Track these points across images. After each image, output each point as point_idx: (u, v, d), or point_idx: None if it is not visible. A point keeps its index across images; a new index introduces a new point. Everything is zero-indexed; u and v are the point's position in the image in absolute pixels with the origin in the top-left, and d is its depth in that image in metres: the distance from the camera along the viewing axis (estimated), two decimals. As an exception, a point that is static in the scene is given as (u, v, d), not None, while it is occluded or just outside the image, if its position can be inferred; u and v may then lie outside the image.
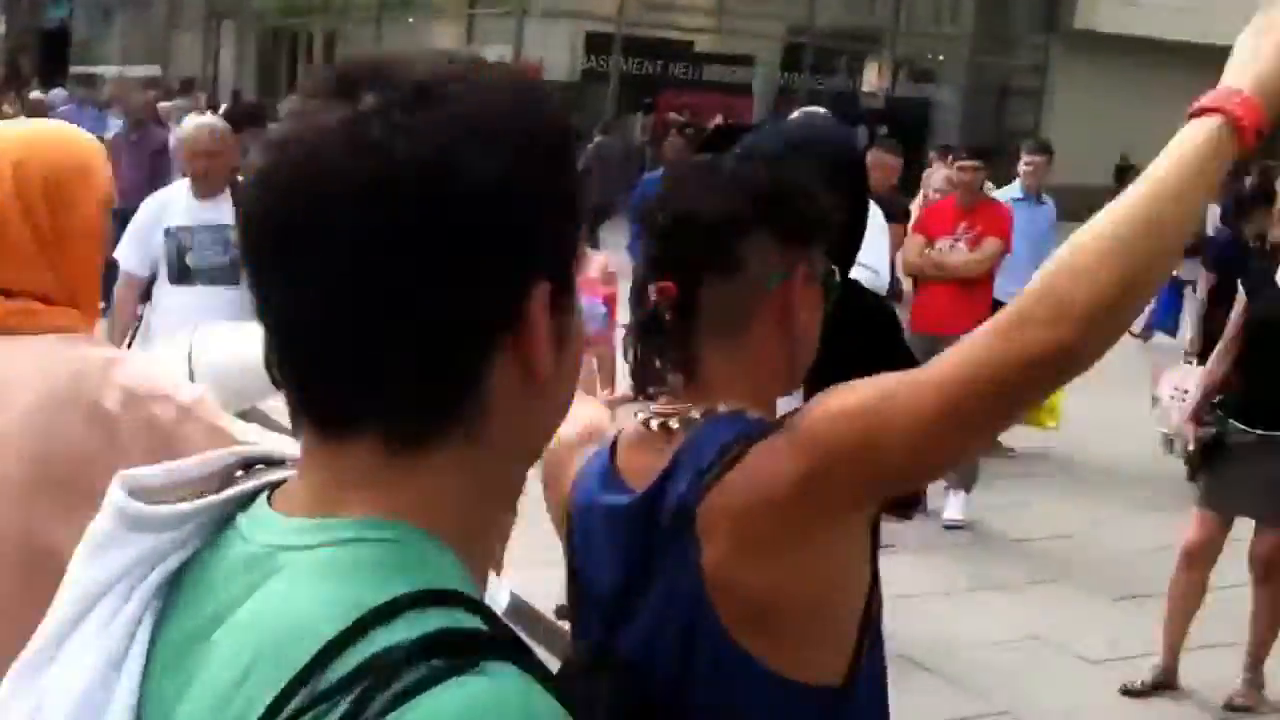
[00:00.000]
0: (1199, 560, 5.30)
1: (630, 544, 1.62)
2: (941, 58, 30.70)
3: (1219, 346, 5.46)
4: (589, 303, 5.32)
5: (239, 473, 1.05)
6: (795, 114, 3.50)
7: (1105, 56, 29.92)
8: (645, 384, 1.72)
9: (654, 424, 1.68)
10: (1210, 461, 5.26)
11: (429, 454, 0.93)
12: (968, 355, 1.45)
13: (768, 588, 1.54)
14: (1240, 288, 5.46)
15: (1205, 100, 1.54)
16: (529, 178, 0.92)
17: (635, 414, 1.73)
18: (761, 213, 1.65)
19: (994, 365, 1.42)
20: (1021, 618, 6.19)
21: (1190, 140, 1.50)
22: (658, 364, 1.70)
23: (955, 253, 7.54)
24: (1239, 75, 1.56)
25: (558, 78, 26.38)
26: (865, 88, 29.29)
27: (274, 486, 1.00)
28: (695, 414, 1.65)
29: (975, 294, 7.22)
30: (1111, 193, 1.53)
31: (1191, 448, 5.31)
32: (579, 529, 1.73)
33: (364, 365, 0.91)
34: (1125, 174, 23.50)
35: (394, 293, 0.89)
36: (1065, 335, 1.39)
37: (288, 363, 0.94)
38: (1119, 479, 8.48)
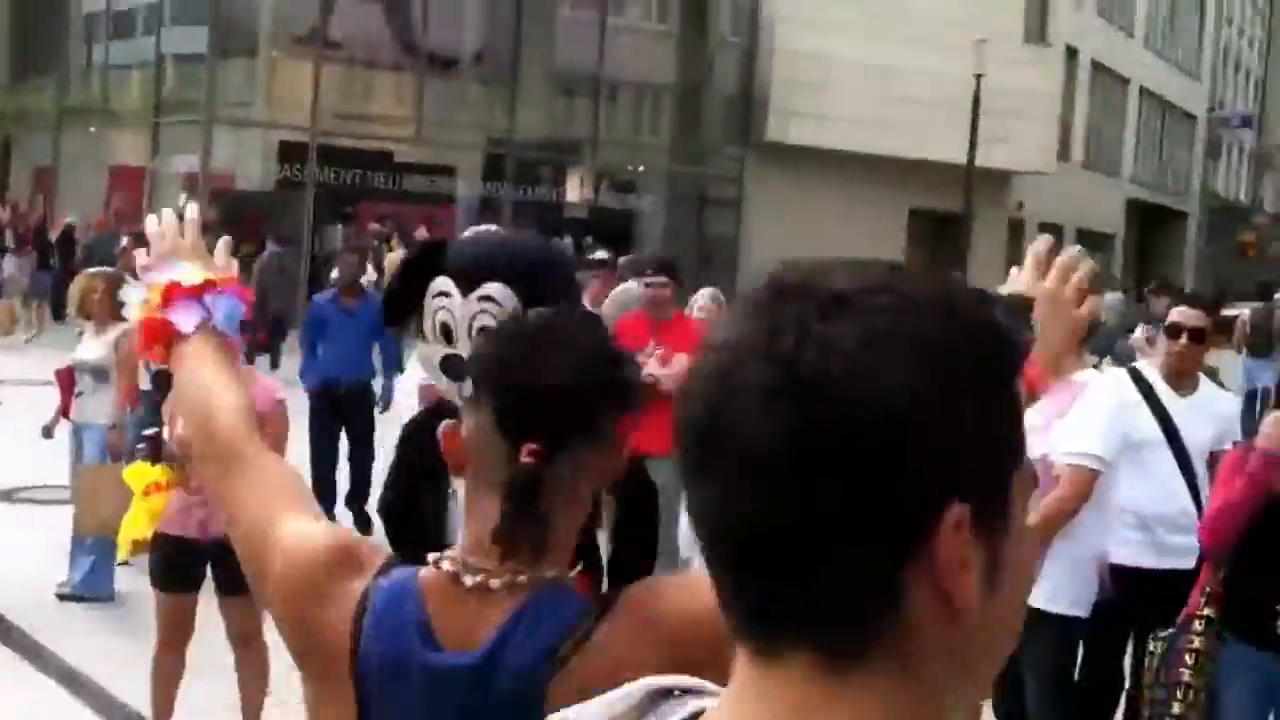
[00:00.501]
0: None
1: (460, 711, 1.62)
2: (641, 168, 31.00)
3: None
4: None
5: (658, 702, 1.02)
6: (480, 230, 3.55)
7: (795, 166, 30.86)
8: (517, 542, 1.66)
9: (468, 580, 1.67)
10: None
11: (856, 676, 0.91)
12: None
13: None
14: None
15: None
16: (946, 395, 0.88)
17: (433, 562, 1.70)
18: (611, 383, 1.76)
19: None
20: None
21: None
22: (525, 524, 1.67)
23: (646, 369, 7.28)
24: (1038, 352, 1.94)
25: (250, 188, 25.44)
26: (569, 198, 29.24)
27: (695, 716, 0.99)
28: (521, 579, 1.66)
29: (666, 413, 6.91)
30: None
31: None
32: (378, 685, 1.66)
33: (778, 572, 0.90)
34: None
35: (794, 503, 0.88)
36: None
37: (718, 564, 0.94)
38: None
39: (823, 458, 0.86)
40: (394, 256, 21.35)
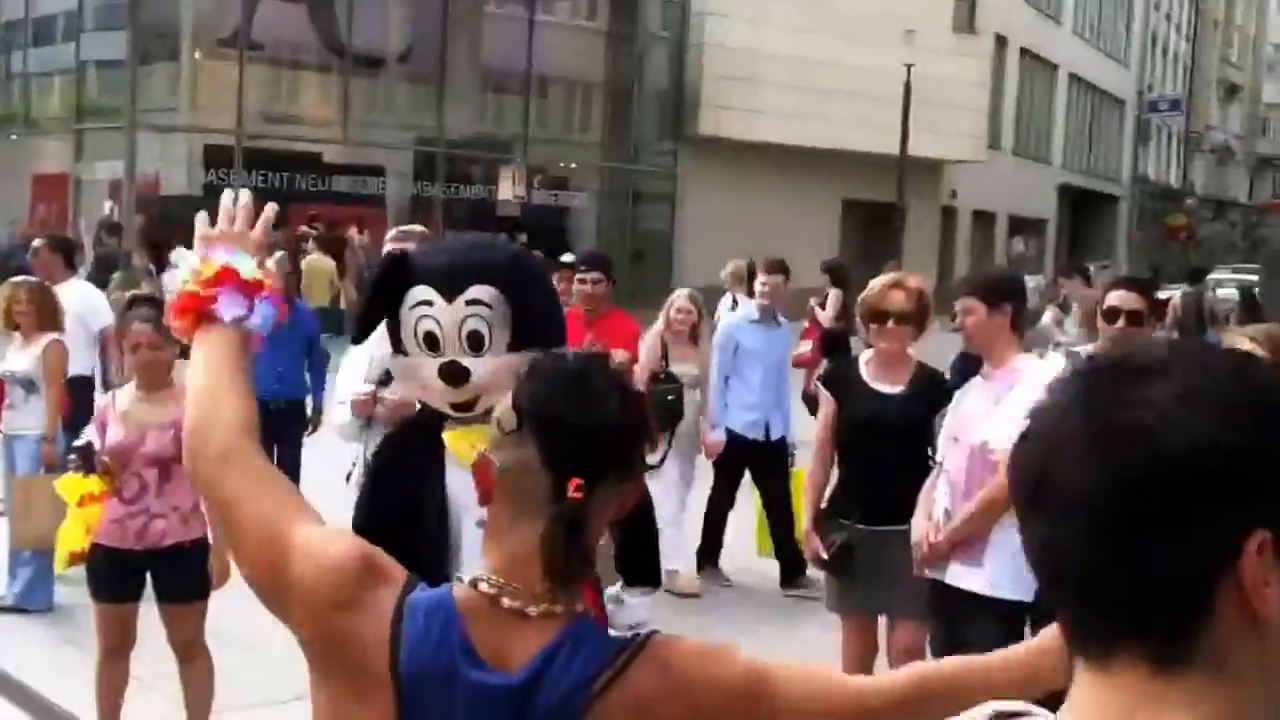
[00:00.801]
0: (861, 659, 5.23)
1: None
2: (574, 165, 30.90)
3: (813, 453, 5.41)
4: None
5: None
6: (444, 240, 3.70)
7: (728, 161, 30.86)
8: (567, 572, 1.77)
9: (506, 603, 1.77)
10: (836, 565, 5.19)
11: (1179, 681, 1.06)
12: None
13: None
14: (824, 389, 5.40)
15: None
16: (1247, 441, 1.04)
17: (474, 583, 1.80)
18: (643, 421, 1.90)
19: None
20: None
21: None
22: (572, 555, 1.77)
23: None
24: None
25: (176, 193, 25.11)
26: (501, 196, 29.10)
27: None
28: (557, 609, 1.78)
29: None
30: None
31: (825, 556, 5.19)
32: (421, 692, 1.74)
33: (1105, 597, 1.07)
34: (753, 276, 23.94)
35: (1117, 539, 1.05)
36: None
37: (1054, 591, 1.12)
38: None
39: (1139, 499, 1.04)
40: (315, 259, 21.13)
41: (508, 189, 29.40)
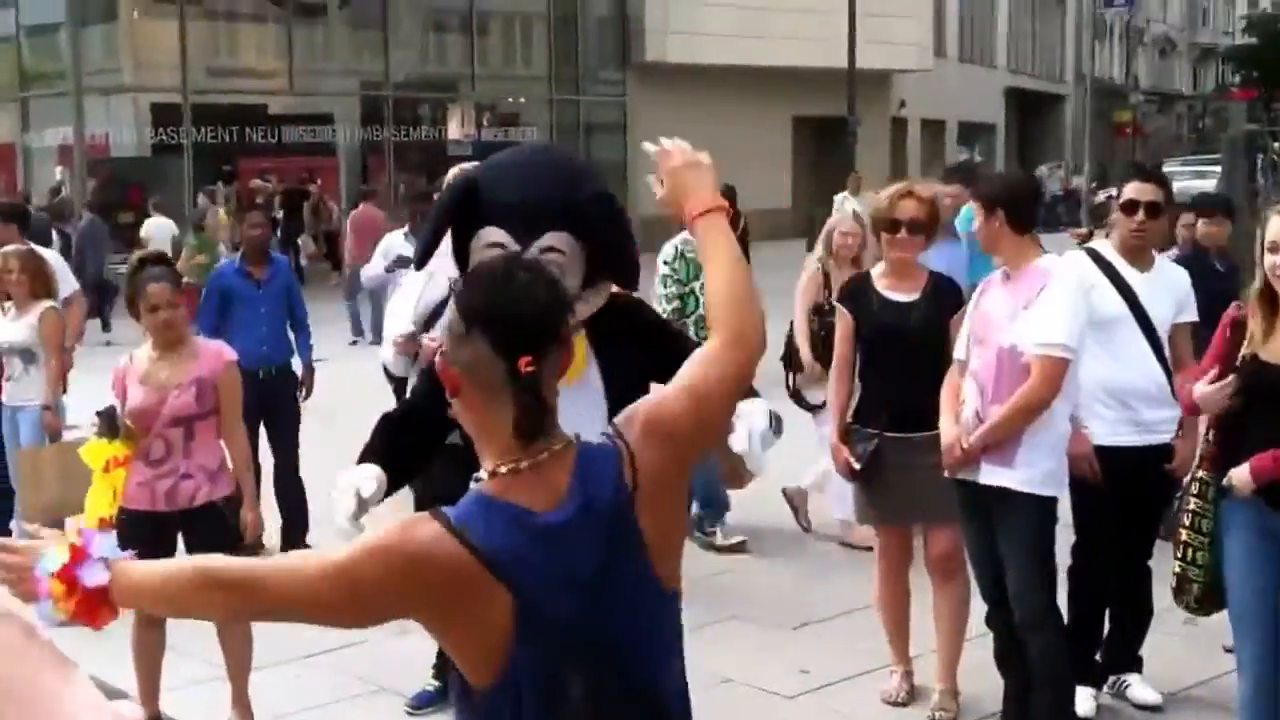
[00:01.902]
0: (898, 567, 5.32)
1: (592, 545, 2.13)
2: (523, 100, 30.80)
3: (833, 367, 5.43)
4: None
5: None
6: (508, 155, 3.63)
7: (676, 85, 30.76)
8: (538, 429, 2.17)
9: (524, 464, 2.16)
10: (867, 474, 5.20)
11: None
12: (713, 368, 2.35)
13: (669, 526, 2.26)
14: (840, 305, 5.42)
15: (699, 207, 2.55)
16: None
17: (488, 473, 2.18)
18: (565, 298, 2.29)
19: (730, 377, 2.36)
20: (704, 661, 5.84)
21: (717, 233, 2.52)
22: (540, 414, 2.17)
23: None
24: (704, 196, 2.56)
25: (126, 154, 24.97)
26: (451, 135, 29.01)
27: None
28: (558, 446, 2.19)
29: None
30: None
31: (856, 465, 5.20)
32: (518, 565, 2.09)
33: None
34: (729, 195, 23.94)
35: None
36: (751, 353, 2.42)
37: None
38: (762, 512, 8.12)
39: None
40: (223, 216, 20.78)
41: (457, 128, 29.31)
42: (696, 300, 7.01)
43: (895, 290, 5.18)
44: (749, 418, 3.18)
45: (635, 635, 2.20)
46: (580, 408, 2.95)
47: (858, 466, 5.19)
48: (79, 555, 2.15)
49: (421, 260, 3.57)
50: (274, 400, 7.52)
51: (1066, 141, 51.83)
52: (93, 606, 2.15)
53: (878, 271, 5.29)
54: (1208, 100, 68.92)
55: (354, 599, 2.10)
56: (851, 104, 30.30)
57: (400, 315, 5.08)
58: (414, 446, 3.47)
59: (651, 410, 2.28)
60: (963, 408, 4.68)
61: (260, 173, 24.02)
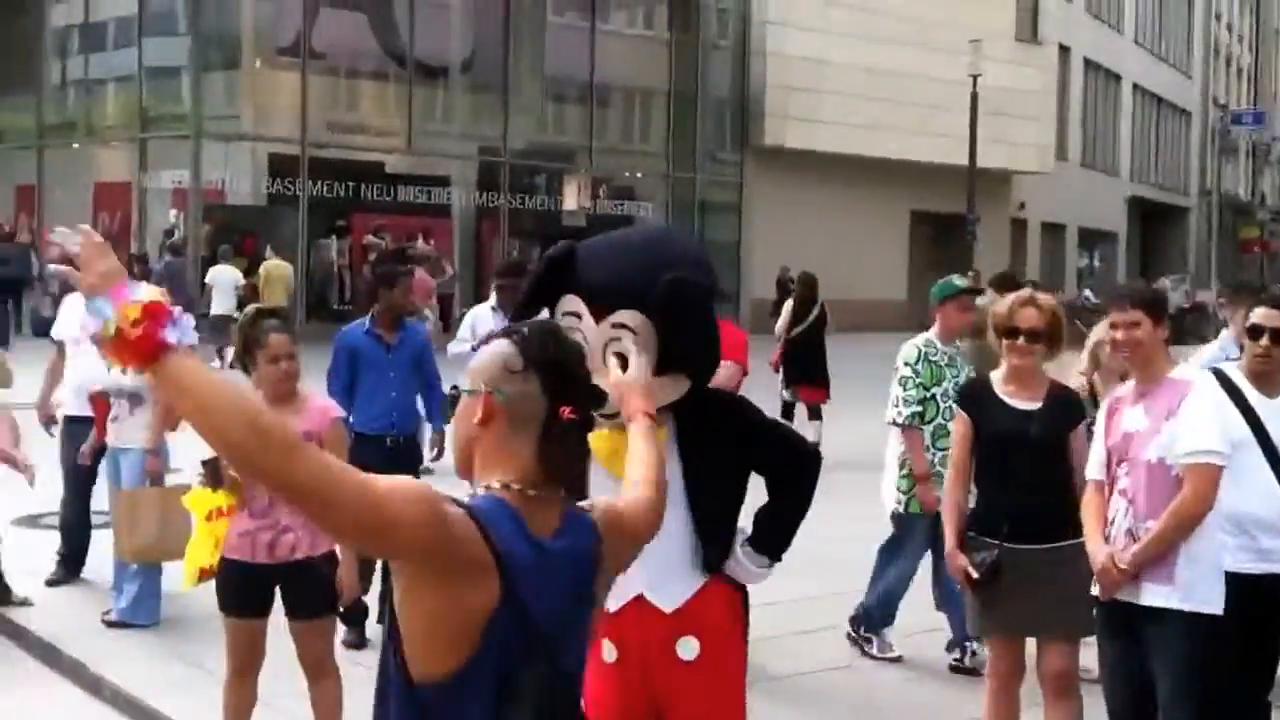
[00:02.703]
0: (1010, 683, 5.19)
1: (572, 566, 2.43)
2: (639, 175, 30.35)
3: (950, 472, 5.36)
4: None
5: None
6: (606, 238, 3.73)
7: (794, 170, 30.36)
8: (565, 475, 2.45)
9: (518, 487, 2.40)
10: (985, 585, 5.09)
11: None
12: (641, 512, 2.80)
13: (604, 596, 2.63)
14: (958, 407, 5.33)
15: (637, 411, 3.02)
16: None
17: (505, 486, 2.41)
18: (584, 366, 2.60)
19: (642, 531, 2.76)
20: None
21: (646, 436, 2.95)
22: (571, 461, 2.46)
23: None
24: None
25: (240, 202, 24.69)
26: (566, 205, 28.57)
27: None
28: (560, 494, 2.46)
29: None
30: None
31: (975, 575, 5.07)
32: (515, 559, 2.32)
33: None
34: (786, 286, 23.49)
35: None
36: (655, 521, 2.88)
37: None
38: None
39: None
40: (272, 264, 20.70)
41: (572, 199, 28.90)
42: (937, 407, 6.61)
43: (1016, 397, 5.13)
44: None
45: (580, 664, 2.52)
46: None
47: (976, 576, 5.06)
48: (165, 312, 2.11)
49: (516, 319, 3.41)
50: (397, 469, 6.83)
51: (1190, 254, 50.80)
52: (142, 350, 2.08)
53: (998, 377, 5.23)
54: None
55: (385, 525, 2.20)
56: (971, 202, 29.59)
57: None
58: None
59: (613, 506, 2.63)
60: (1111, 527, 4.62)
61: (375, 229, 23.56)
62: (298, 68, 24.37)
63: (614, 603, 3.38)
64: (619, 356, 3.08)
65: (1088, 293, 30.23)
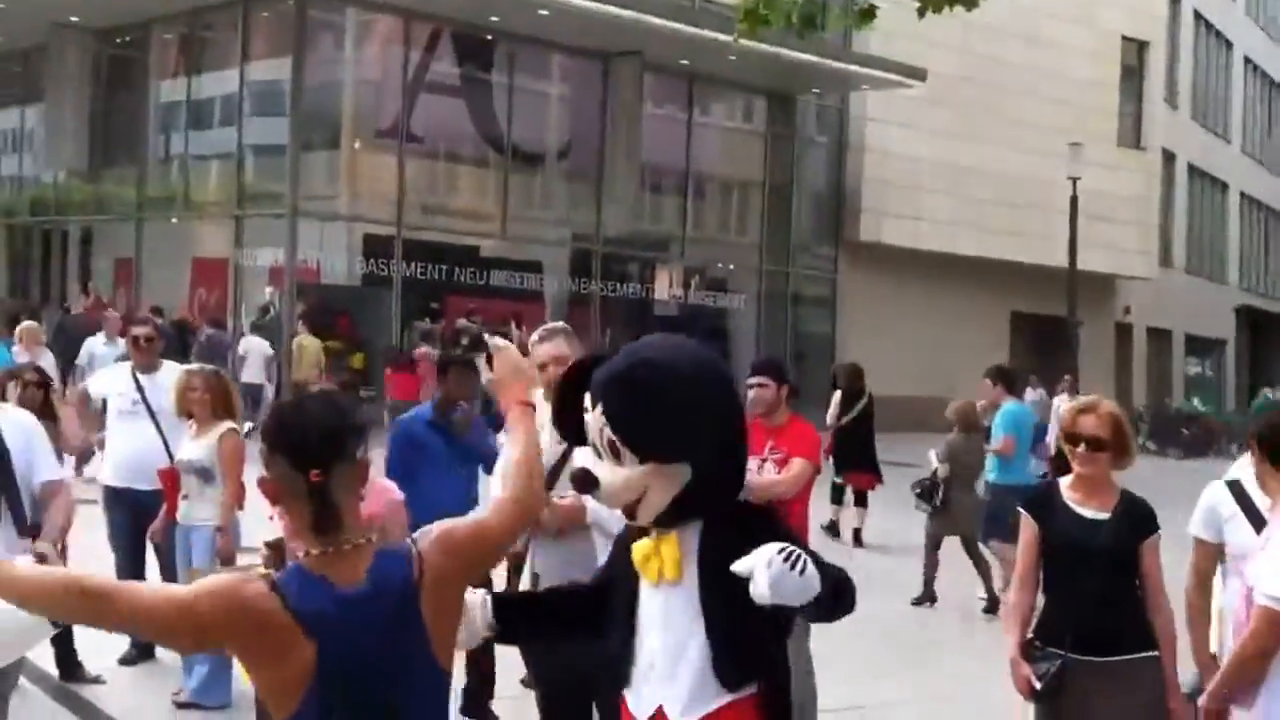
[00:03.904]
0: None
1: (382, 614, 2.76)
2: (732, 266, 30.07)
3: (1015, 579, 5.28)
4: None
5: None
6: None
7: (888, 266, 30.00)
8: (326, 527, 2.85)
9: (315, 552, 2.79)
10: (1050, 697, 4.97)
11: None
12: (495, 516, 3.11)
13: (447, 618, 2.94)
14: (1025, 512, 5.20)
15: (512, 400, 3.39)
16: None
17: (306, 553, 2.81)
18: (350, 424, 2.98)
19: (505, 526, 3.11)
20: None
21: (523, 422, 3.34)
22: (327, 515, 2.85)
23: (763, 475, 6.63)
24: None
25: (335, 281, 24.68)
26: (658, 295, 28.33)
27: None
28: (360, 541, 2.83)
29: (792, 516, 6.48)
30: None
31: (1038, 686, 4.94)
32: (322, 623, 2.71)
33: None
34: (834, 378, 23.11)
35: None
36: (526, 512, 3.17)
37: None
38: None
39: None
40: (303, 339, 20.97)
41: (664, 288, 28.65)
42: None
43: (1084, 505, 5.06)
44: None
45: (410, 696, 2.82)
46: (673, 605, 3.39)
47: (1038, 686, 4.95)
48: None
49: (560, 430, 3.69)
50: None
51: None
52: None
53: (1066, 483, 5.16)
54: None
55: (194, 628, 2.68)
56: (1072, 306, 28.94)
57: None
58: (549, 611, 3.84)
59: (445, 528, 2.94)
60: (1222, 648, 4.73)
61: (467, 313, 23.39)
62: (395, 150, 24.43)
63: (641, 713, 3.47)
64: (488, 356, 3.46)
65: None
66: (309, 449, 2.76)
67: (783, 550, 3.07)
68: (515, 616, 3.63)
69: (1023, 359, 32.74)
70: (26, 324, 14.82)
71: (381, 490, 5.19)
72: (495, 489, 3.52)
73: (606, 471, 3.34)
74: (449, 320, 23.76)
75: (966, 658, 9.11)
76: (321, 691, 2.68)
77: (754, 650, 3.39)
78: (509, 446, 3.23)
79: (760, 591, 3.05)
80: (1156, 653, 4.87)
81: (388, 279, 23.97)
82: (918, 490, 11.22)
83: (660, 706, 3.43)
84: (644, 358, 3.45)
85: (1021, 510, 5.31)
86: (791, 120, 30.22)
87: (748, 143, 30.40)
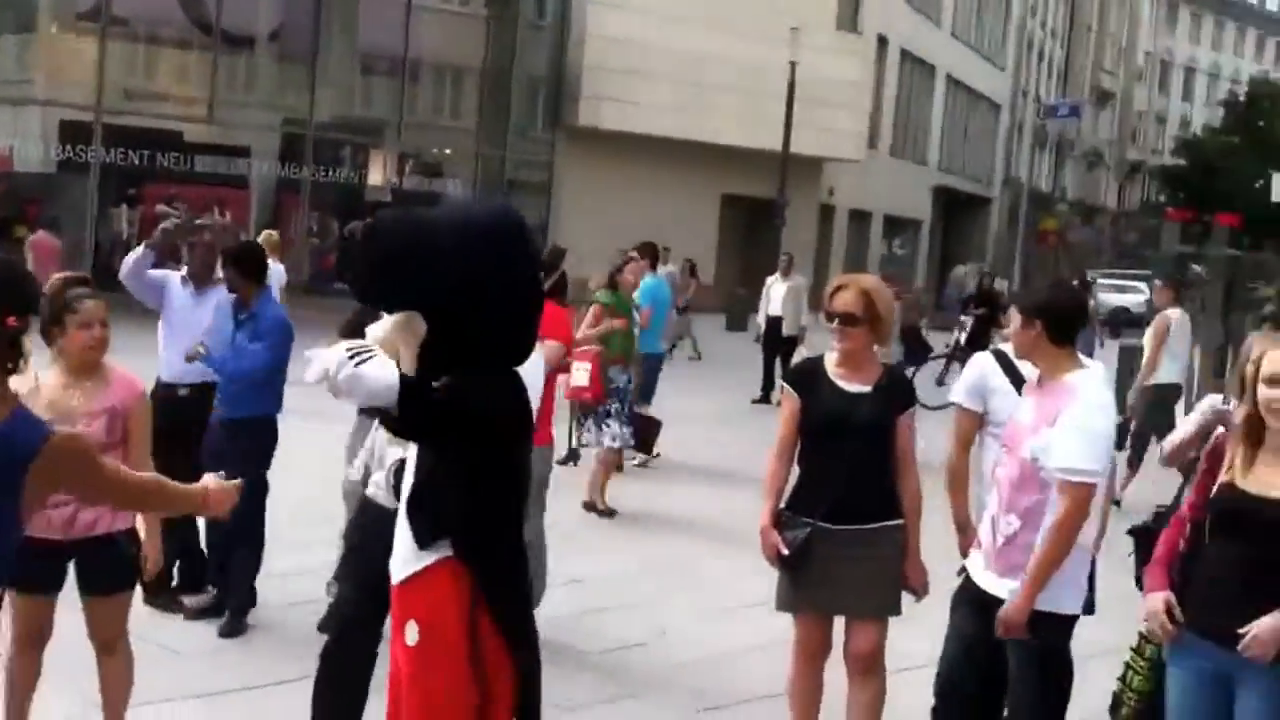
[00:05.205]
0: (815, 660, 5.19)
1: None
2: (448, 151, 30.27)
3: (775, 448, 5.25)
4: None
5: None
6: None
7: (606, 151, 30.50)
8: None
9: None
10: (795, 562, 5.08)
11: None
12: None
13: (39, 497, 3.20)
14: (789, 386, 5.25)
15: None
16: None
17: None
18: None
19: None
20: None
21: None
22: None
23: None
24: None
25: (30, 169, 24.09)
26: (371, 180, 28.39)
27: None
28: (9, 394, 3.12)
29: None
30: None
31: (786, 552, 5.03)
32: None
33: None
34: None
35: None
36: None
37: None
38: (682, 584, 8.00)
39: None
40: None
41: (378, 174, 28.72)
42: None
43: (847, 380, 5.09)
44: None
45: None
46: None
47: (786, 553, 5.03)
48: None
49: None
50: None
51: (988, 244, 52.17)
52: None
53: (830, 358, 5.18)
54: (1130, 215, 69.94)
55: None
56: (783, 187, 30.11)
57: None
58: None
59: (81, 445, 3.19)
60: (985, 511, 4.78)
61: (168, 200, 23.12)
62: (95, 32, 23.81)
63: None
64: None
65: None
66: (10, 295, 3.06)
67: (352, 348, 3.30)
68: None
69: (731, 240, 34.00)
70: None
71: (128, 381, 5.01)
72: None
73: (373, 325, 3.46)
74: (148, 207, 23.48)
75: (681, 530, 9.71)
76: None
77: (440, 509, 3.41)
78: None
79: (309, 374, 3.38)
80: (901, 520, 4.98)
81: (84, 165, 23.50)
82: None
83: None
84: (391, 213, 3.58)
85: (784, 384, 5.40)
86: (512, 3, 30.34)
87: (467, 25, 30.45)
